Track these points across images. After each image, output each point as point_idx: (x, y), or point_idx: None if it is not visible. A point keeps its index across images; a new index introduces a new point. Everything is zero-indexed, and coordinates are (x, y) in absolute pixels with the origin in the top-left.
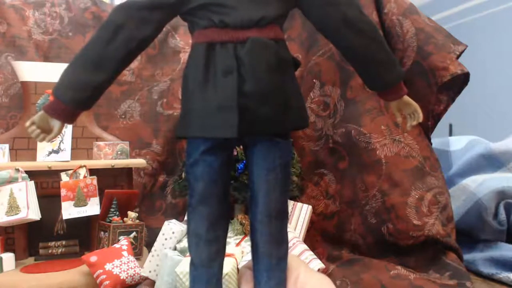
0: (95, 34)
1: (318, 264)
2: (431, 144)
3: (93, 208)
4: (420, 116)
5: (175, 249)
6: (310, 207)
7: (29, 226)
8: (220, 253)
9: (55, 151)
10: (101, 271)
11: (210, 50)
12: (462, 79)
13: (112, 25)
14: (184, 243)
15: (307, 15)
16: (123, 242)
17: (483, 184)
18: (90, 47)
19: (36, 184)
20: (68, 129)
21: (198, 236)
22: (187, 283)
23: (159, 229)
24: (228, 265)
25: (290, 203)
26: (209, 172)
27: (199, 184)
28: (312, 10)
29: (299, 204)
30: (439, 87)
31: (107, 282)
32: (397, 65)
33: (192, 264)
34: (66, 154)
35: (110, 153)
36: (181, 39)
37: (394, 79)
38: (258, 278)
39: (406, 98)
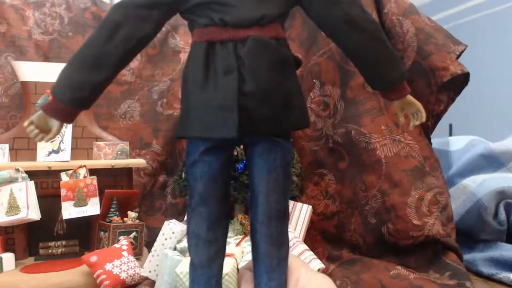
0: (94, 33)
1: (318, 264)
2: (431, 144)
3: (93, 208)
4: (423, 116)
5: (175, 249)
6: (310, 207)
7: (29, 226)
8: (219, 254)
9: (55, 151)
10: (101, 271)
11: (210, 49)
12: (462, 79)
13: (110, 23)
14: (184, 243)
15: (308, 13)
16: (123, 242)
17: (483, 184)
18: (88, 46)
19: (36, 184)
20: (68, 129)
21: (198, 236)
22: (187, 283)
23: (159, 229)
24: (228, 265)
25: (290, 203)
26: (208, 172)
27: (198, 184)
28: (314, 8)
29: (299, 204)
30: (439, 87)
31: (107, 282)
32: (400, 64)
33: (191, 264)
34: (66, 154)
35: (110, 153)
36: (181, 39)
37: (397, 78)
38: (258, 279)
39: (409, 97)
